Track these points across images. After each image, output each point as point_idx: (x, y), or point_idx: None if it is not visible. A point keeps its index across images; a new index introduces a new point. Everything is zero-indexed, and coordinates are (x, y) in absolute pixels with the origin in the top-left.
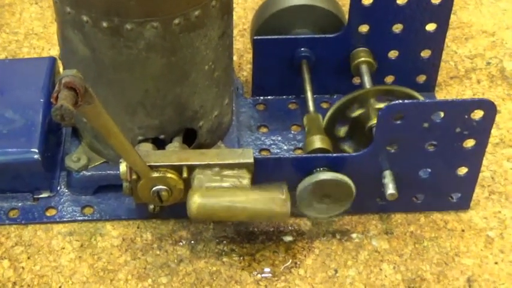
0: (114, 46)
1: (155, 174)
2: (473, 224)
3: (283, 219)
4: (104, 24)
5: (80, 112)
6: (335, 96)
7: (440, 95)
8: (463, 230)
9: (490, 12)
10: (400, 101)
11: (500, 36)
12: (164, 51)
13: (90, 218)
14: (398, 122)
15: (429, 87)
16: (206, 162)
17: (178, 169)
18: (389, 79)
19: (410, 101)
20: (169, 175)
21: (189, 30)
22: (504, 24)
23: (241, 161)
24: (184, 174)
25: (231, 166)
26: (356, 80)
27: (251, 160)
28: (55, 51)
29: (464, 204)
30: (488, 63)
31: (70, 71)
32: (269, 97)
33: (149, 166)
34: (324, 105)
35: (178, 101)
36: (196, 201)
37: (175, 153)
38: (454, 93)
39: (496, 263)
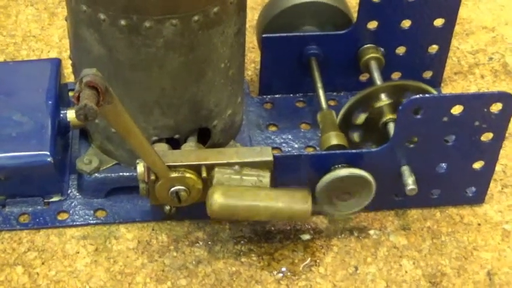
0: (131, 45)
1: (174, 174)
2: (489, 217)
3: (305, 218)
4: (122, 22)
5: (101, 112)
6: (342, 94)
7: (446, 90)
8: (479, 224)
9: (488, 8)
10: (421, 95)
11: (500, 32)
12: (182, 49)
13: (103, 221)
14: (418, 116)
15: (435, 82)
16: (225, 161)
17: (197, 169)
18: (396, 75)
19: (430, 94)
20: (188, 175)
21: (207, 27)
22: (503, 20)
23: (261, 159)
24: (203, 174)
25: (250, 164)
26: (363, 77)
27: (270, 158)
28: (54, 53)
29: (478, 198)
30: (491, 59)
31: (90, 70)
32: (276, 96)
33: (167, 166)
34: (332, 103)
35: (194, 100)
36: (217, 199)
37: (194, 153)
38: (459, 89)
39: None
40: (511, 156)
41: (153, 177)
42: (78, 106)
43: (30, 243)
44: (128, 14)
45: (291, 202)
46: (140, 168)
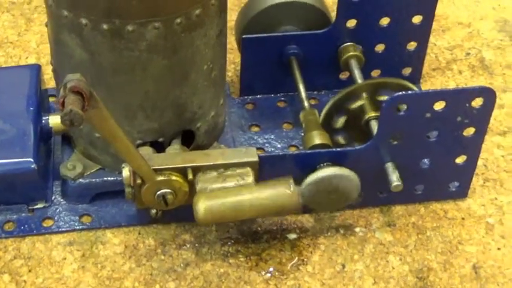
0: (114, 49)
1: (160, 178)
2: (472, 211)
3: (294, 211)
4: (104, 26)
5: (86, 117)
6: (323, 93)
7: (425, 86)
8: (463, 218)
9: (463, 4)
10: (404, 92)
11: (476, 27)
12: (165, 52)
13: (89, 227)
14: (402, 113)
15: (414, 79)
16: (211, 163)
17: (183, 171)
18: (376, 73)
19: (413, 91)
20: (174, 178)
21: (190, 30)
22: (478, 15)
23: (246, 159)
24: (190, 176)
25: (236, 165)
26: (343, 76)
27: (256, 158)
28: (32, 59)
29: (462, 192)
30: (468, 54)
31: (73, 75)
32: (257, 96)
33: (153, 170)
34: (313, 102)
35: (178, 103)
36: (202, 205)
37: (179, 155)
38: (438, 85)
39: (498, 248)
40: (492, 150)
41: (139, 181)
42: (64, 112)
43: (16, 250)
44: (110, 18)
45: (277, 197)
46: (126, 172)
